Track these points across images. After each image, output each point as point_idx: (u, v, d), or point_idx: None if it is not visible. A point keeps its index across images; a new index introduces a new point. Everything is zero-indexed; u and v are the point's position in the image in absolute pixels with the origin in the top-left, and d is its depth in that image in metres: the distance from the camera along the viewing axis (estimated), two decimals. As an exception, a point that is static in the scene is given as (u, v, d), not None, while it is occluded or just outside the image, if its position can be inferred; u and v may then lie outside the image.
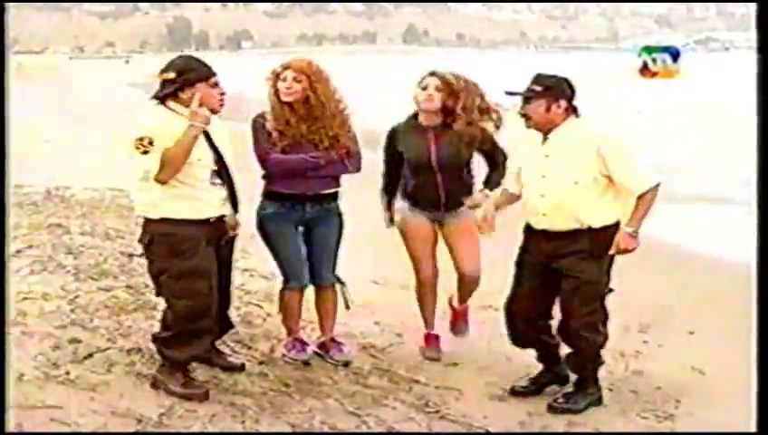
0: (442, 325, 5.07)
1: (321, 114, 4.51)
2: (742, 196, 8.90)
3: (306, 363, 4.67)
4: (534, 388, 4.47)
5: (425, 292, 4.94)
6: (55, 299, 5.26)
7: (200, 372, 4.39)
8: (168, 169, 3.97)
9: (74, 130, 17.19)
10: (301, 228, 4.65)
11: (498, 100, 4.68)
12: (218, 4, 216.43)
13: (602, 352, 4.34)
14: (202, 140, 4.06)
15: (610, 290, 4.27)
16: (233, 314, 4.75)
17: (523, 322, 4.39)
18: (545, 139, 4.21)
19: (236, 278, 5.10)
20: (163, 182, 3.99)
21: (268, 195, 4.63)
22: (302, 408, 4.15)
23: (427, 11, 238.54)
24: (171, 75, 4.07)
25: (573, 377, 4.42)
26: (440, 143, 4.70)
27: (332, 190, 4.67)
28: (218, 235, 4.22)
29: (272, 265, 4.88)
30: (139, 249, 4.39)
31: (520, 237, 4.38)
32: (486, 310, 5.27)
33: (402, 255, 4.94)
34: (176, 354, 4.15)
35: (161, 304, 4.26)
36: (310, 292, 4.78)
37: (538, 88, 4.15)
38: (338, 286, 4.80)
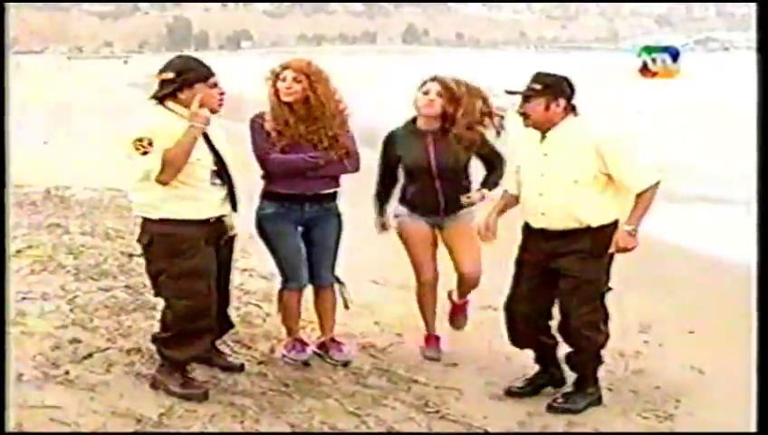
0: (442, 326, 5.07)
1: (320, 114, 4.51)
2: (741, 196, 8.88)
3: (306, 364, 4.67)
4: (530, 389, 4.47)
5: (425, 295, 4.94)
6: (55, 299, 5.26)
7: (199, 372, 4.38)
8: (170, 170, 3.96)
9: (74, 131, 17.17)
10: (300, 228, 4.64)
11: (498, 100, 4.68)
12: (218, 4, 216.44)
13: (602, 351, 4.34)
14: (201, 141, 4.06)
15: (609, 289, 4.27)
16: (232, 314, 4.75)
17: (523, 322, 4.38)
18: (544, 137, 4.20)
19: (236, 278, 5.09)
20: (165, 183, 3.99)
21: (267, 195, 4.63)
22: (302, 408, 4.15)
23: (426, 11, 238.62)
24: (170, 75, 4.06)
25: (571, 378, 4.42)
26: (439, 148, 4.69)
27: (332, 190, 4.66)
28: (218, 235, 4.22)
29: (271, 265, 4.88)
30: (139, 249, 4.39)
31: (519, 237, 4.38)
32: (486, 310, 5.26)
33: (402, 255, 4.94)
34: (175, 354, 4.15)
35: (161, 304, 4.25)
36: (309, 292, 4.78)
37: (537, 86, 4.14)
38: (337, 286, 4.80)
